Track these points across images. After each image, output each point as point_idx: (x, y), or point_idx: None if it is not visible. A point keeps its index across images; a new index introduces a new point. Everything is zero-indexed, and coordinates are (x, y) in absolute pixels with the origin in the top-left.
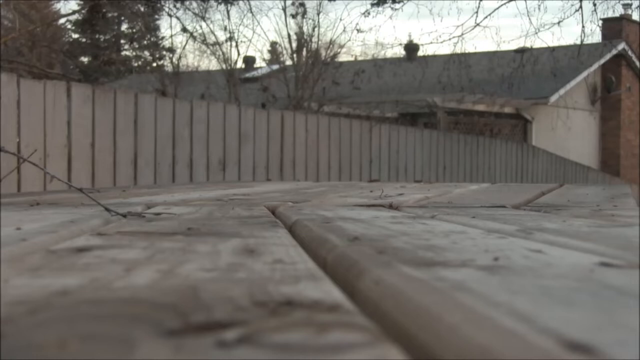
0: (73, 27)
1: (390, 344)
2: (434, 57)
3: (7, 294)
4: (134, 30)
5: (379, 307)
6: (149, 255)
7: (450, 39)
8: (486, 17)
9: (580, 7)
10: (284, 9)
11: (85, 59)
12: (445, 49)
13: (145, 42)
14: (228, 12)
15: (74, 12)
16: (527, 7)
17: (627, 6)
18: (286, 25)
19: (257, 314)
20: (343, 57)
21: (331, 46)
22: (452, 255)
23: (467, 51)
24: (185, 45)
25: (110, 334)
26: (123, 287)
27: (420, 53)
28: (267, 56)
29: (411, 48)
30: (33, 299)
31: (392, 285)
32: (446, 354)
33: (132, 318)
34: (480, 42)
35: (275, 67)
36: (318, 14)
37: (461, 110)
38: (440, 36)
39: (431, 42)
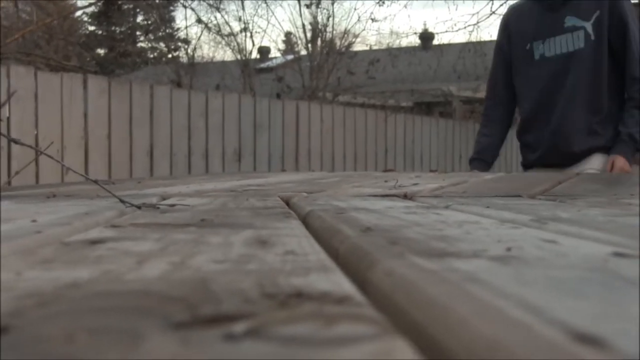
0: (89, 20)
1: (399, 336)
2: (449, 45)
3: (18, 286)
4: (149, 22)
5: (390, 299)
6: (161, 247)
7: (465, 28)
8: (502, 4)
9: None
10: None
11: (101, 51)
12: (460, 38)
13: (160, 33)
14: (242, 2)
15: (90, 5)
16: None
17: None
18: (300, 15)
19: (266, 306)
20: (358, 47)
21: (346, 36)
22: (465, 245)
23: (482, 39)
24: (200, 37)
25: (118, 326)
26: (134, 279)
27: (435, 42)
28: (281, 46)
29: (426, 37)
30: (43, 292)
31: (403, 277)
32: (455, 345)
33: (141, 310)
34: (495, 30)
35: (290, 57)
36: (332, 4)
37: (477, 99)
38: (455, 24)
39: (446, 31)
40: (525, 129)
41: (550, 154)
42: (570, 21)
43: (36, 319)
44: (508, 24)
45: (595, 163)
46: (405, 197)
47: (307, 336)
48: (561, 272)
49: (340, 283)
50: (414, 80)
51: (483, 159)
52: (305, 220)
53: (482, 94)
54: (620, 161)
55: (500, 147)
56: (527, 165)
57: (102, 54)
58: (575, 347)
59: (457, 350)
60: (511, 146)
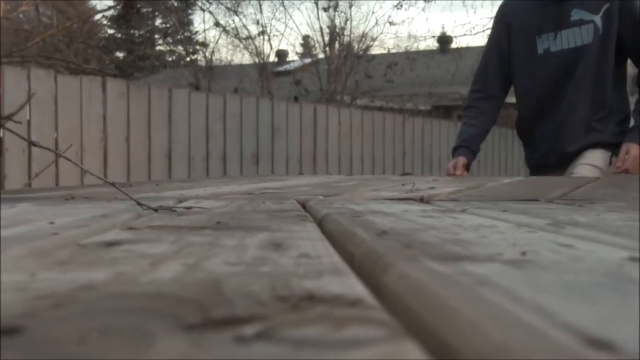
0: (108, 23)
1: (408, 339)
2: (468, 49)
3: (33, 287)
4: (168, 25)
5: (402, 302)
6: (176, 249)
7: (484, 31)
8: None
9: None
10: (316, 2)
11: (120, 55)
12: (478, 41)
13: (178, 37)
14: (260, 6)
15: (109, 8)
16: None
17: None
18: (318, 19)
19: (277, 309)
20: (375, 50)
21: (363, 39)
22: (480, 249)
23: None
24: (218, 40)
25: (130, 327)
26: (148, 281)
27: (453, 45)
28: (299, 50)
29: (444, 40)
30: (58, 293)
31: (416, 280)
32: (465, 349)
33: (153, 312)
34: None
35: (308, 60)
36: (350, 7)
37: None
38: (473, 28)
39: (464, 34)
40: (529, 126)
41: (551, 152)
42: (577, 14)
43: (49, 320)
44: (505, 17)
45: (590, 158)
46: (421, 200)
47: (317, 339)
48: (575, 276)
49: (352, 286)
50: (432, 83)
51: (470, 147)
52: (321, 224)
53: None
54: (635, 149)
55: (483, 140)
56: (531, 167)
57: (121, 57)
58: (586, 352)
59: (467, 353)
60: None
